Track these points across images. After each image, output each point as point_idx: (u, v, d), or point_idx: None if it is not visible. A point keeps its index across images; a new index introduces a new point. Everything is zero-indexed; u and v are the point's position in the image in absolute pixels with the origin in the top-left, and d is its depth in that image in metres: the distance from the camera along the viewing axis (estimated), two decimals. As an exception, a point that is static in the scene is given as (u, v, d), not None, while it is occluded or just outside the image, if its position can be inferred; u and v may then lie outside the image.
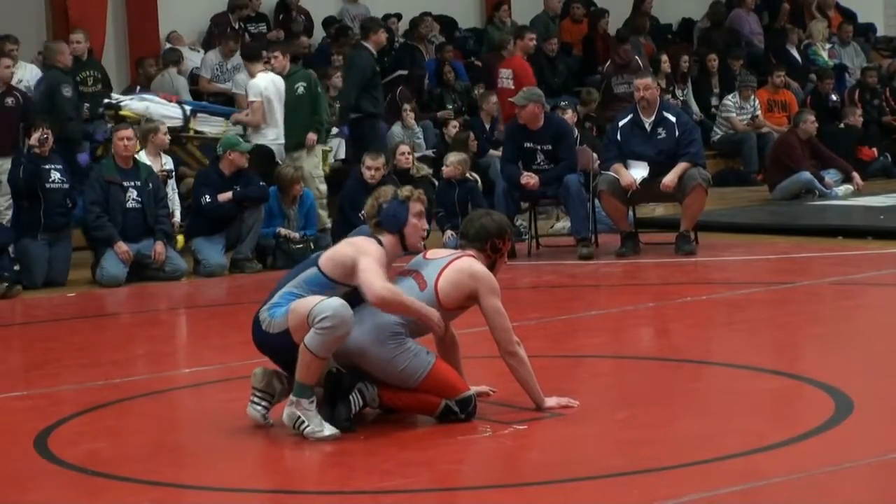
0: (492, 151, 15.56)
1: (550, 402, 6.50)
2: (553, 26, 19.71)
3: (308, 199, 13.17)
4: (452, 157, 13.44)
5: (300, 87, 14.11)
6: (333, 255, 6.45)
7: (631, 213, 12.67)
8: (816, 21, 21.43)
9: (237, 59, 16.86)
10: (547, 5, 19.93)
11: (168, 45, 17.43)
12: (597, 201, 12.61)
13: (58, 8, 16.75)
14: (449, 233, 13.64)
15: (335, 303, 6.16)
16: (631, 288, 10.93)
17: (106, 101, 14.35)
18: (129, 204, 12.28)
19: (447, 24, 19.85)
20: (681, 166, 12.15)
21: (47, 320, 10.71)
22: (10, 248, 12.04)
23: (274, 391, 6.47)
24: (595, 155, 13.26)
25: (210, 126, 14.44)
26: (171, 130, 13.87)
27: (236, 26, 17.75)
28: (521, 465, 5.76)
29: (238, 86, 16.54)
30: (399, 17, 19.20)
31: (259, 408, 6.44)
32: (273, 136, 13.75)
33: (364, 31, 15.43)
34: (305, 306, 6.20)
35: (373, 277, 6.27)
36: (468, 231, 6.63)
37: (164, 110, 14.26)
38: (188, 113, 14.37)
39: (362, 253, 6.40)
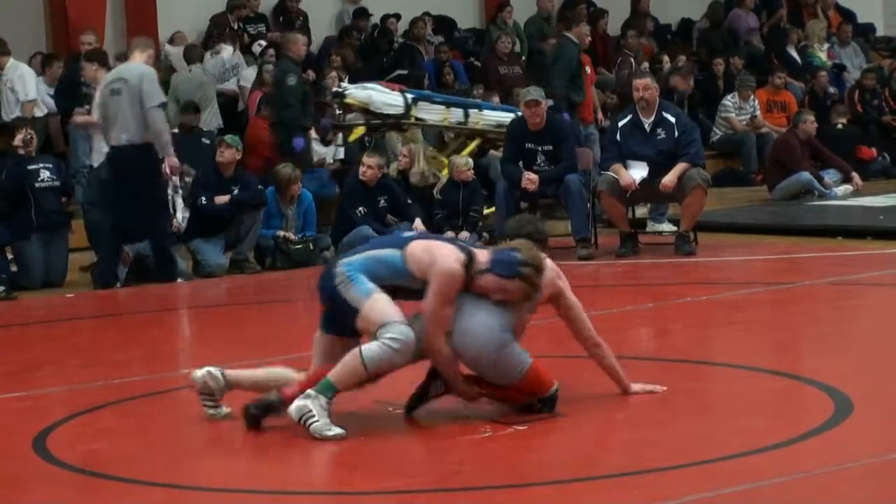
0: (492, 152, 15.55)
1: (636, 387, 6.66)
2: (548, 27, 19.72)
3: (306, 199, 13.17)
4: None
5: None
6: (418, 255, 6.26)
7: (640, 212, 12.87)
8: (815, 21, 21.44)
9: (237, 58, 16.90)
10: (540, 6, 19.93)
11: (167, 46, 17.46)
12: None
13: (57, 9, 16.75)
14: (450, 233, 13.66)
15: (408, 331, 6.11)
16: (631, 288, 10.93)
17: (334, 89, 14.64)
18: (129, 204, 12.25)
19: (446, 24, 19.87)
20: (680, 167, 12.15)
21: (46, 321, 10.71)
22: (8, 250, 12.06)
23: (211, 391, 6.52)
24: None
25: (430, 114, 14.65)
26: (392, 118, 14.30)
27: (235, 26, 17.77)
28: (521, 465, 5.75)
29: (245, 80, 16.62)
30: (398, 17, 19.21)
31: (208, 408, 6.54)
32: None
33: (567, 23, 15.72)
34: (381, 315, 6.14)
35: (429, 326, 6.21)
36: (526, 230, 6.67)
37: (385, 98, 14.53)
38: (409, 101, 14.57)
39: (436, 280, 6.21)
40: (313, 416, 6.12)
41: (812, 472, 5.38)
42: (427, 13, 19.37)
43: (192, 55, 16.23)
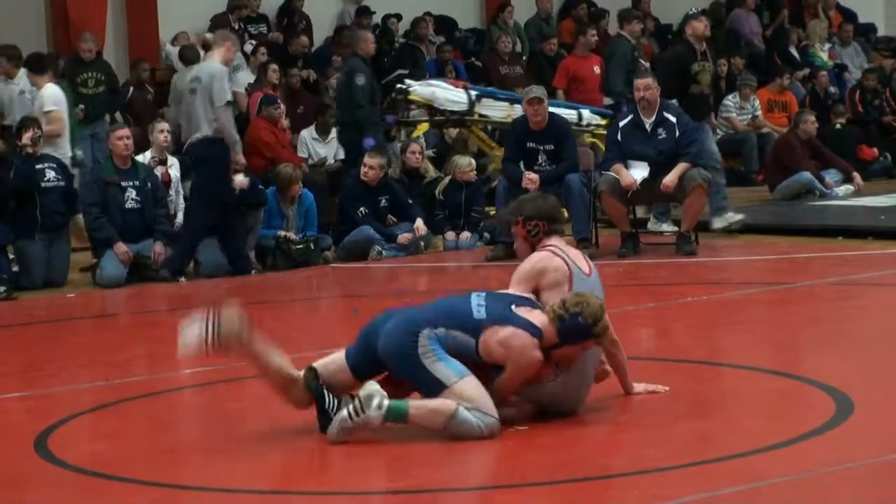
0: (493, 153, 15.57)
1: (639, 388, 6.67)
2: (547, 27, 19.72)
3: (307, 199, 13.17)
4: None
5: None
6: (491, 349, 6.08)
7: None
8: (816, 21, 21.43)
9: (237, 58, 16.88)
10: (539, 6, 19.93)
11: (168, 46, 17.46)
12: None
13: (58, 9, 16.74)
14: (451, 233, 13.66)
15: (498, 426, 6.00)
16: (632, 288, 10.92)
17: (398, 85, 14.72)
18: (128, 204, 12.27)
19: (447, 24, 19.86)
20: (681, 167, 12.14)
21: (47, 321, 10.71)
22: (10, 249, 12.06)
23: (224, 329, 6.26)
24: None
25: (494, 111, 14.74)
26: (456, 114, 14.33)
27: (236, 27, 17.76)
28: (522, 465, 5.75)
29: (237, 84, 16.59)
30: (399, 17, 19.21)
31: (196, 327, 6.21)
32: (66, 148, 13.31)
33: (621, 20, 15.87)
34: (478, 398, 5.97)
35: (498, 395, 6.11)
36: (561, 215, 6.72)
37: (449, 95, 14.62)
38: (473, 98, 14.64)
39: (518, 369, 6.09)
40: (357, 418, 5.95)
41: (813, 472, 5.38)
42: (428, 13, 19.36)
43: (189, 55, 16.25)
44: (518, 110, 14.37)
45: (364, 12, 19.03)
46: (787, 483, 5.24)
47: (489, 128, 15.53)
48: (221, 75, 12.17)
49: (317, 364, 6.24)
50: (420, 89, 14.61)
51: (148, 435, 6.55)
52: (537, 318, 6.16)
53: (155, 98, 16.46)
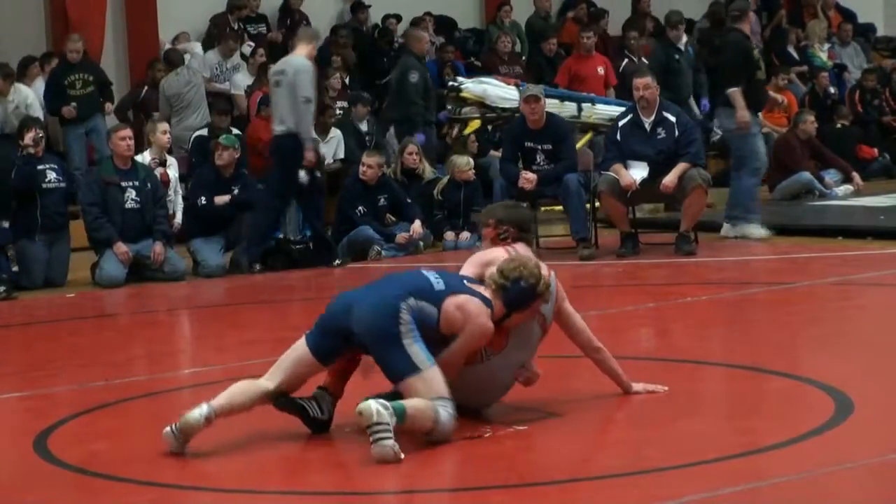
0: (492, 152, 15.57)
1: (637, 387, 6.71)
2: (545, 25, 19.73)
3: None
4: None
5: None
6: (451, 316, 6.13)
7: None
8: (815, 21, 21.42)
9: (236, 58, 16.92)
10: (538, 5, 19.93)
11: (168, 46, 17.46)
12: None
13: (57, 9, 16.74)
14: (450, 233, 13.66)
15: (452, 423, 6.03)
16: (631, 288, 10.93)
17: (450, 83, 14.80)
18: (128, 204, 12.27)
19: (447, 24, 19.86)
20: (680, 167, 12.14)
21: (47, 321, 10.71)
22: (10, 249, 12.06)
23: (191, 434, 6.12)
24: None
25: (547, 107, 14.64)
26: (507, 111, 14.35)
27: (235, 27, 17.77)
28: (521, 465, 5.75)
29: (236, 86, 16.60)
30: (399, 17, 19.20)
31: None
32: None
33: (734, 18, 15.86)
34: (442, 389, 5.98)
35: (445, 368, 6.09)
36: (531, 225, 6.78)
37: (501, 92, 14.69)
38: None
39: (468, 338, 6.15)
40: (389, 433, 5.77)
41: (812, 472, 5.38)
42: (428, 13, 19.36)
43: (175, 58, 16.27)
44: (567, 107, 14.42)
45: (359, 7, 19.01)
46: (786, 483, 5.25)
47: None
48: (307, 70, 12.39)
49: (272, 380, 6.22)
50: (472, 87, 14.71)
51: (147, 435, 6.54)
52: (486, 292, 6.26)
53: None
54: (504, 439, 6.05)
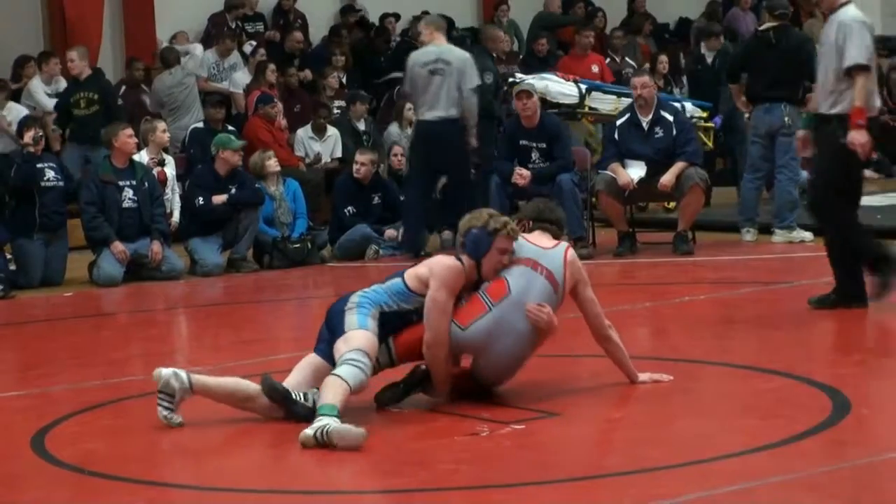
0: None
1: (643, 377, 6.83)
2: (558, 19, 19.76)
3: (291, 185, 13.23)
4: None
5: None
6: (416, 272, 6.54)
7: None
8: (812, 21, 21.41)
9: (234, 57, 16.93)
10: (548, 7, 19.94)
11: (165, 45, 17.46)
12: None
13: (55, 9, 16.73)
14: (447, 232, 13.65)
15: (369, 365, 6.26)
16: (628, 288, 10.93)
17: (510, 80, 14.89)
18: (125, 203, 12.28)
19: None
20: (678, 166, 12.15)
21: (44, 320, 10.71)
22: (7, 248, 12.06)
23: (173, 391, 6.44)
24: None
25: (602, 103, 14.89)
26: (567, 107, 14.57)
27: (233, 25, 17.78)
28: (519, 464, 5.75)
29: (235, 85, 16.60)
30: (398, 17, 19.21)
31: (162, 409, 6.42)
32: None
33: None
34: (361, 343, 6.29)
35: (429, 316, 6.42)
36: (553, 216, 6.84)
37: (561, 88, 14.84)
38: (583, 91, 14.86)
39: (432, 280, 6.46)
40: (328, 424, 5.95)
41: (810, 472, 5.38)
42: (426, 12, 19.35)
43: (170, 57, 16.28)
44: (624, 103, 14.47)
45: (349, 10, 19.00)
46: (783, 482, 5.25)
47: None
48: (472, 61, 12.78)
49: (287, 384, 6.42)
50: (534, 83, 14.75)
51: (145, 434, 6.54)
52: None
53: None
54: (502, 438, 6.05)
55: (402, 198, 13.48)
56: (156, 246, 12.25)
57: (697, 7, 21.27)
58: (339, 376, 6.17)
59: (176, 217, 13.17)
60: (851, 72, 8.64)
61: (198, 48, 17.24)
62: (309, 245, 12.86)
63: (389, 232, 13.10)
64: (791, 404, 6.60)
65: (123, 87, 16.28)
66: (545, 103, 14.64)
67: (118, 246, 12.07)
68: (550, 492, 5.33)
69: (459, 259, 6.55)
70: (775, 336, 8.48)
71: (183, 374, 6.43)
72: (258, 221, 12.70)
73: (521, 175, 12.38)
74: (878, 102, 8.91)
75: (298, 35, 17.86)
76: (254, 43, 17.54)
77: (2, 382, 8.15)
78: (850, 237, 8.91)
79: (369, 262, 12.87)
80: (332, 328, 6.45)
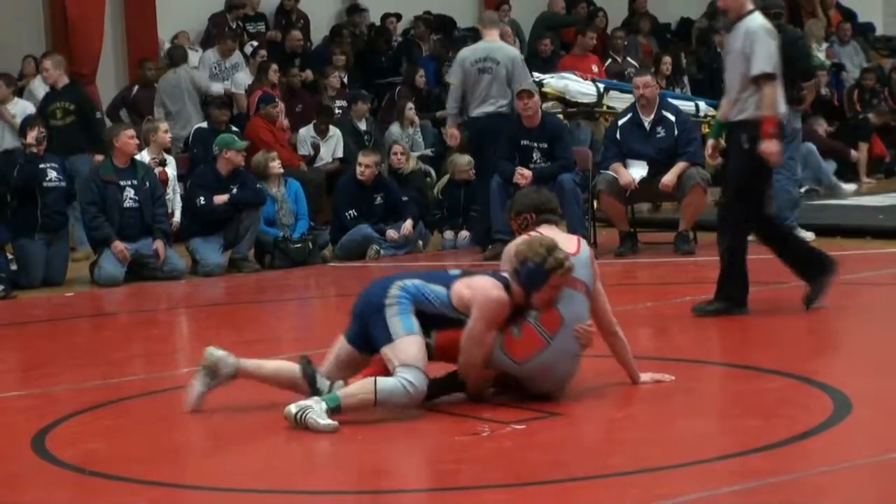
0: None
1: (645, 377, 6.87)
2: (563, 19, 19.77)
3: (293, 186, 13.22)
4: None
5: None
6: (460, 292, 6.47)
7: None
8: (813, 21, 21.42)
9: (236, 57, 16.92)
10: (552, 7, 19.94)
11: (167, 45, 17.47)
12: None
13: (56, 9, 16.73)
14: (449, 232, 13.66)
15: (424, 381, 6.31)
16: (630, 288, 10.92)
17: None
18: (127, 203, 12.28)
19: (446, 23, 19.87)
20: (679, 166, 12.15)
21: (45, 320, 10.70)
22: (8, 248, 12.06)
23: (215, 374, 6.59)
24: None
25: (620, 102, 14.88)
26: (586, 106, 14.67)
27: (234, 26, 17.78)
28: (520, 464, 5.75)
29: (237, 85, 16.59)
30: (398, 17, 19.21)
31: (197, 384, 6.61)
32: None
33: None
34: (409, 356, 6.30)
35: (466, 346, 6.43)
36: (552, 205, 6.92)
37: (580, 87, 14.92)
38: (601, 90, 14.95)
39: (474, 310, 6.42)
40: (311, 408, 6.20)
41: (810, 472, 5.38)
42: (428, 12, 19.38)
43: (176, 56, 16.29)
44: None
45: (354, 11, 19.03)
46: (784, 482, 5.24)
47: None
48: (521, 60, 13.08)
49: (322, 367, 6.54)
50: (553, 82, 14.85)
51: (146, 434, 6.54)
52: (507, 276, 6.57)
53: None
54: (502, 439, 6.05)
55: (403, 198, 13.48)
56: (159, 245, 12.24)
57: (698, 7, 21.26)
58: (374, 387, 6.23)
59: (177, 217, 13.16)
60: (758, 80, 8.67)
61: (196, 55, 17.22)
62: (310, 245, 12.86)
63: (390, 233, 13.10)
64: (792, 404, 6.60)
65: (136, 88, 16.27)
66: (565, 102, 14.69)
67: (119, 246, 12.07)
68: (551, 492, 5.32)
69: (506, 283, 6.50)
70: (776, 336, 8.48)
71: (231, 361, 6.60)
72: (259, 221, 12.69)
73: (523, 175, 12.38)
74: (783, 109, 8.93)
75: (298, 35, 17.86)
76: (255, 43, 17.54)
77: (3, 382, 8.15)
78: (739, 248, 8.94)
79: (370, 262, 12.86)
80: (369, 319, 6.41)
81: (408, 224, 13.15)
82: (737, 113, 8.76)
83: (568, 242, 6.71)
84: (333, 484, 5.71)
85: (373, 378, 6.27)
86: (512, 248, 6.67)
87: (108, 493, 5.61)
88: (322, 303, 11.65)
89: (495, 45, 13.01)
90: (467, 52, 13.16)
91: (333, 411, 6.22)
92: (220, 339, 9.55)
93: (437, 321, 6.46)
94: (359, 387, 6.28)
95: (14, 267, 12.06)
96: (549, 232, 6.76)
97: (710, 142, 9.62)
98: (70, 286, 12.15)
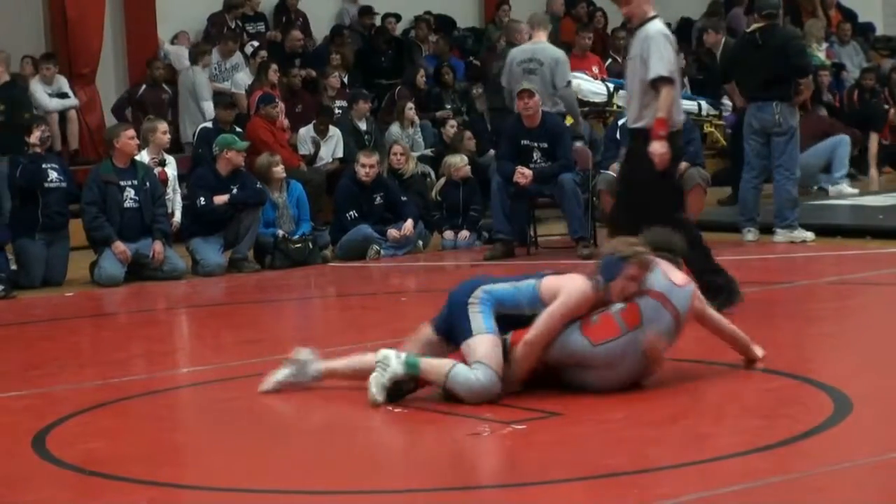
0: (492, 151, 15.57)
1: (759, 352, 7.30)
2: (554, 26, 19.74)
3: (296, 189, 13.21)
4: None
5: None
6: (551, 282, 6.79)
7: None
8: (813, 21, 21.43)
9: (236, 58, 16.93)
10: (550, 7, 19.94)
11: (167, 45, 17.49)
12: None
13: (56, 9, 16.73)
14: (449, 233, 13.65)
15: (496, 382, 6.54)
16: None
17: None
18: (127, 204, 12.27)
19: (446, 23, 19.88)
20: (680, 166, 12.12)
21: (45, 320, 10.70)
22: (8, 248, 12.06)
23: (300, 372, 6.86)
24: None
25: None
26: (596, 105, 14.85)
27: (233, 25, 17.78)
28: (520, 464, 5.75)
29: (237, 85, 16.60)
30: (398, 17, 19.22)
31: (278, 377, 6.85)
32: None
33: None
34: (486, 354, 6.56)
35: (542, 322, 6.63)
36: (671, 245, 7.16)
37: (591, 87, 15.20)
38: (611, 89, 15.09)
39: (560, 296, 6.70)
40: (385, 371, 6.57)
41: (811, 472, 5.38)
42: (428, 12, 19.39)
43: (194, 54, 16.35)
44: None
45: (367, 12, 19.06)
46: (785, 482, 5.24)
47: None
48: (564, 61, 13.16)
49: (406, 348, 6.84)
50: None
51: (146, 434, 6.55)
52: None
53: (171, 97, 16.50)
54: (503, 438, 6.05)
55: (403, 198, 13.48)
56: (157, 246, 12.25)
57: (699, 7, 21.27)
58: (448, 370, 6.53)
59: (177, 217, 13.16)
60: (656, 84, 8.71)
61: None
62: (310, 245, 12.85)
63: (392, 232, 13.10)
64: (792, 404, 6.60)
65: (143, 87, 16.28)
66: (578, 102, 14.74)
67: (119, 246, 12.07)
68: (552, 492, 5.33)
69: (595, 280, 6.77)
70: (776, 336, 8.48)
71: (317, 365, 6.88)
72: (259, 221, 12.68)
73: (523, 174, 12.38)
74: (681, 116, 8.97)
75: (298, 34, 17.87)
76: (255, 43, 17.54)
77: (3, 382, 8.15)
78: (693, 241, 8.96)
79: (370, 262, 12.86)
80: (453, 314, 6.72)
81: (408, 224, 13.15)
82: (636, 119, 8.83)
83: (677, 275, 6.96)
84: (333, 484, 5.71)
85: (453, 362, 6.57)
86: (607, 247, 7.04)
87: (108, 493, 5.61)
88: (322, 303, 11.65)
89: (540, 47, 13.11)
90: (516, 53, 13.32)
91: (410, 372, 6.56)
92: (220, 339, 9.57)
93: (514, 321, 6.69)
94: (439, 363, 6.59)
95: (14, 267, 12.06)
96: (663, 265, 6.95)
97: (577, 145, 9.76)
98: (70, 286, 12.15)
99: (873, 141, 17.93)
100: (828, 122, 17.04)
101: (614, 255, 6.80)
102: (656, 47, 8.76)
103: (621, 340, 6.68)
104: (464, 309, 6.66)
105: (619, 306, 6.75)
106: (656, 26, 8.90)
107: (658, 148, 8.64)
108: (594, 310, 6.75)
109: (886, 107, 18.63)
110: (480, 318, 6.63)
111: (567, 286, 6.72)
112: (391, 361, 6.59)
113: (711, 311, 7.18)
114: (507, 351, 6.66)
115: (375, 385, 6.57)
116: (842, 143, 16.56)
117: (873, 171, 17.47)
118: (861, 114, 18.57)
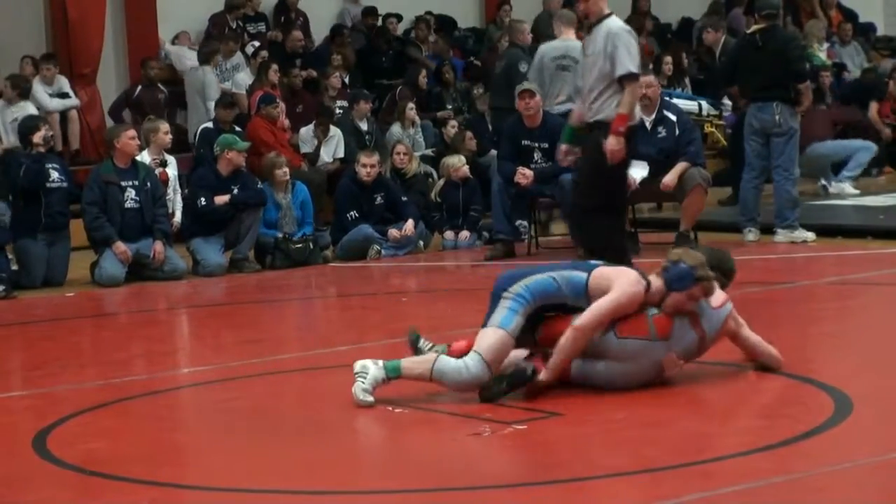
0: (493, 151, 15.57)
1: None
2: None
3: (301, 192, 13.20)
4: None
5: None
6: (603, 272, 6.77)
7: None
8: (813, 21, 21.43)
9: (237, 58, 16.92)
10: (546, 5, 19.93)
11: (168, 45, 17.49)
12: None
13: (57, 9, 16.74)
14: (450, 233, 13.65)
15: (484, 371, 6.56)
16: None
17: None
18: (128, 204, 12.27)
19: (447, 23, 19.88)
20: (680, 166, 12.14)
21: (46, 320, 10.70)
22: (9, 248, 12.06)
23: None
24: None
25: None
26: None
27: (234, 26, 17.78)
28: (521, 464, 5.76)
29: (238, 85, 16.60)
30: (399, 17, 19.22)
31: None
32: None
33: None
34: (487, 347, 6.58)
35: (591, 313, 6.61)
36: (723, 266, 7.16)
37: None
38: None
39: (613, 291, 6.66)
40: (365, 377, 6.58)
41: (811, 472, 5.38)
42: (429, 12, 19.39)
43: (204, 54, 16.38)
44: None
45: (371, 13, 19.06)
46: (785, 482, 5.24)
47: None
48: None
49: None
50: None
51: (147, 434, 6.55)
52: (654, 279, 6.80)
53: (168, 97, 16.50)
54: (503, 438, 6.05)
55: (403, 198, 13.48)
56: (158, 246, 12.25)
57: (699, 7, 21.27)
58: (432, 365, 6.60)
59: (178, 217, 13.15)
60: (623, 80, 8.72)
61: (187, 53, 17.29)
62: (311, 245, 12.85)
63: (392, 232, 13.09)
64: (793, 404, 6.60)
65: (139, 87, 16.28)
66: None
67: (120, 246, 12.07)
68: (552, 492, 5.32)
69: (648, 283, 6.72)
70: (777, 336, 8.47)
71: (381, 374, 6.69)
72: (260, 222, 12.68)
73: (524, 175, 12.38)
74: (638, 112, 9.02)
75: (298, 34, 17.87)
76: (256, 43, 17.55)
77: (4, 382, 8.15)
78: (611, 241, 9.01)
79: (371, 262, 12.86)
80: (491, 300, 6.75)
81: (409, 224, 13.15)
82: (594, 113, 8.85)
83: (716, 296, 6.93)
84: (333, 484, 5.71)
85: (436, 355, 6.65)
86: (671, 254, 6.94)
87: (108, 493, 5.61)
88: (323, 303, 11.65)
89: (572, 44, 13.08)
90: (547, 48, 13.36)
91: (392, 376, 6.58)
92: (221, 339, 9.57)
93: (556, 308, 6.71)
94: (421, 360, 6.69)
95: (15, 267, 12.06)
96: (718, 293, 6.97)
97: (563, 147, 9.79)
98: (71, 286, 12.15)
99: (873, 109, 17.97)
100: (836, 113, 17.14)
101: (691, 269, 6.72)
102: (623, 43, 8.81)
103: (645, 343, 6.69)
104: (498, 298, 6.71)
105: (654, 311, 6.74)
106: (617, 23, 8.98)
107: (613, 143, 8.73)
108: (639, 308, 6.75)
109: (886, 79, 18.64)
110: (505, 313, 6.64)
111: (620, 283, 6.67)
112: (370, 369, 6.60)
113: (747, 332, 7.13)
114: (535, 335, 6.72)
115: (360, 393, 6.57)
116: (866, 148, 16.57)
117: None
118: (861, 85, 18.57)
